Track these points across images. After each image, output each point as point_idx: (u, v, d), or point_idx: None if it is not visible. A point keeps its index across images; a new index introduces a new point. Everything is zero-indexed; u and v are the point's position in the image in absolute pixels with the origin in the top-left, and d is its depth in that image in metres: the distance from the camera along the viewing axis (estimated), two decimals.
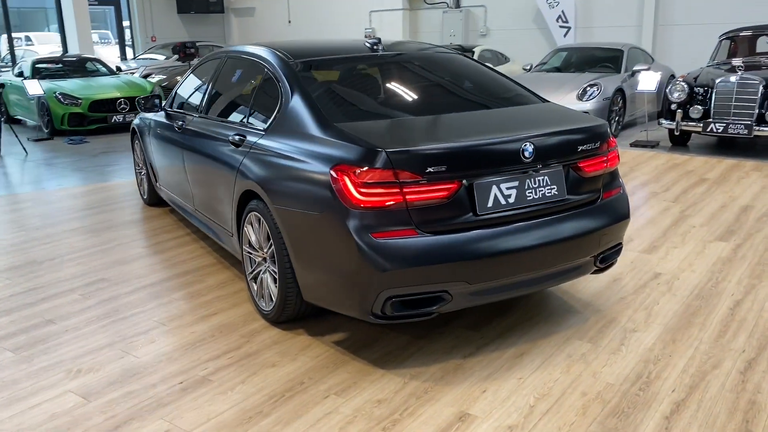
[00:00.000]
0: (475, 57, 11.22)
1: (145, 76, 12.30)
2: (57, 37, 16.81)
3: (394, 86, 3.64)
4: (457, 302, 2.91)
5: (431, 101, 3.53)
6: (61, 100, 10.17)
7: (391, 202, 2.74)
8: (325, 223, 2.86)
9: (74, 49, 14.03)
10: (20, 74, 11.36)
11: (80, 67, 11.59)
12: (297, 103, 3.30)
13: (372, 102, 3.49)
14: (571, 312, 3.52)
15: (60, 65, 11.51)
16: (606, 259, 3.31)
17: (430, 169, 2.76)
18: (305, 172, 2.99)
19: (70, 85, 10.56)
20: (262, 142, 3.38)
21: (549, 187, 3.04)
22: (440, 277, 2.79)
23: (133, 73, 12.57)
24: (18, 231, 5.29)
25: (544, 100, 3.68)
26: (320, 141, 3.02)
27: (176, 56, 13.38)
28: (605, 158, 3.23)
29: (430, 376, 2.94)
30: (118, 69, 12.93)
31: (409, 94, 3.57)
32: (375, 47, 3.84)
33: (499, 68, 11.68)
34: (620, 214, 3.27)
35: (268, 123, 3.43)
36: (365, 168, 2.74)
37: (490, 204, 2.90)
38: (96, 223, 5.45)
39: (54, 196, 6.45)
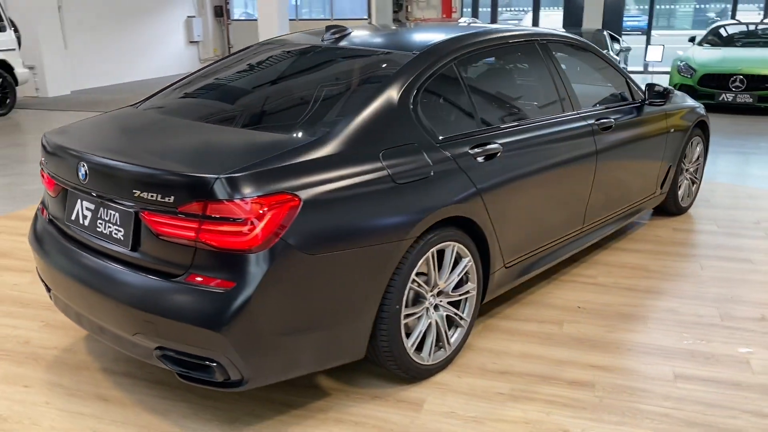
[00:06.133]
0: None
1: None
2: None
3: (232, 79, 3.33)
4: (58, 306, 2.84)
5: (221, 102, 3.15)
6: (681, 69, 9.79)
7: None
8: None
9: None
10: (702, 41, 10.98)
11: None
12: None
13: (197, 91, 3.32)
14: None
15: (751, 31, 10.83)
16: (179, 364, 2.32)
17: (42, 159, 2.82)
18: None
19: (714, 54, 10.04)
20: None
21: (116, 228, 2.43)
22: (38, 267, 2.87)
23: None
24: None
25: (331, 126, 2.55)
26: None
27: None
28: (195, 225, 2.17)
29: None
30: None
31: (222, 89, 3.26)
32: (323, 39, 3.34)
33: None
34: (190, 312, 2.19)
35: None
36: None
37: (73, 216, 2.64)
38: None
39: None
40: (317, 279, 2.33)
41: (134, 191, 2.32)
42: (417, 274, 2.71)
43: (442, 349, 2.90)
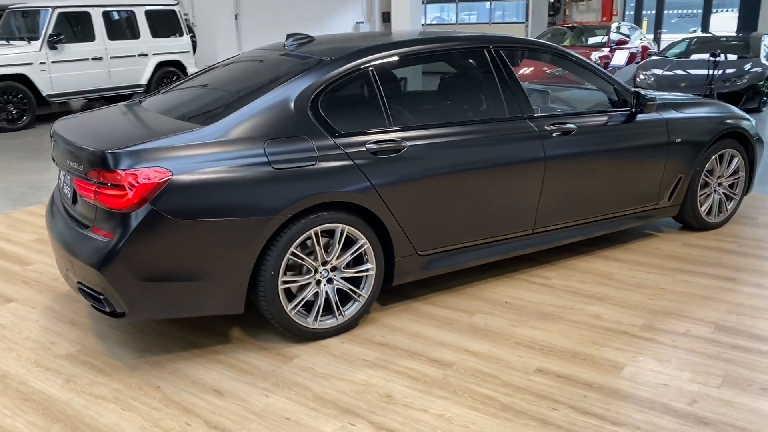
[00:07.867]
0: None
1: None
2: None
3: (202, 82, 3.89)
4: None
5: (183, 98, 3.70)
6: None
7: None
8: None
9: None
10: None
11: None
12: None
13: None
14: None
15: None
16: (89, 296, 3.04)
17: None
18: None
19: None
20: None
21: (69, 189, 3.26)
22: None
23: None
24: None
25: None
26: None
27: None
28: (94, 189, 2.90)
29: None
30: None
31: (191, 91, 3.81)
32: (285, 47, 3.91)
33: None
34: (86, 255, 2.90)
35: None
36: None
37: (58, 181, 3.50)
38: None
39: None
40: (186, 239, 2.90)
41: (67, 161, 3.09)
42: (309, 251, 3.18)
43: (333, 318, 3.32)
